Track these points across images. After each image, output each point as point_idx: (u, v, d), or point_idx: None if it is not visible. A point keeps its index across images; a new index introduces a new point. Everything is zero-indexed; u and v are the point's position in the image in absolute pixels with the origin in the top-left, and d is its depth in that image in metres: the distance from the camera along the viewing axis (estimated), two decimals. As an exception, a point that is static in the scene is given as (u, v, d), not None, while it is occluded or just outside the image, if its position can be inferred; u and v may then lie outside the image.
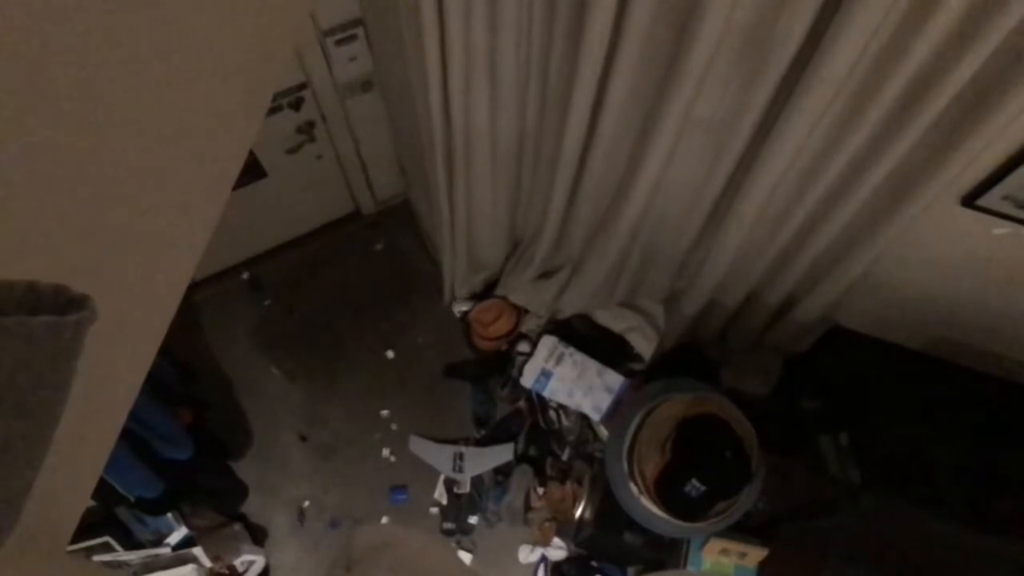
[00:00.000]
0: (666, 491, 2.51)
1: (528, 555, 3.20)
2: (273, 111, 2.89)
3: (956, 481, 2.55)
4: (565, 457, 3.25)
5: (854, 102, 1.75)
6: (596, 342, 3.26)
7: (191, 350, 3.51)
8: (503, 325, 3.36)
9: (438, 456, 3.35)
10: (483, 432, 3.42)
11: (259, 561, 3.13)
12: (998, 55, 1.48)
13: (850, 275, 2.33)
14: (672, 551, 2.77)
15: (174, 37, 0.78)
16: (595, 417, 3.13)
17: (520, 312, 3.38)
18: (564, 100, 2.10)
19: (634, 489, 2.58)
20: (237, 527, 3.16)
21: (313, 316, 3.69)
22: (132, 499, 2.64)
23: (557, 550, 3.20)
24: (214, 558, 2.99)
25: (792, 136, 1.84)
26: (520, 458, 3.34)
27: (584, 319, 3.33)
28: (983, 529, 2.35)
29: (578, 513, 3.07)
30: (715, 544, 2.59)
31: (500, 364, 3.43)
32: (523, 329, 3.38)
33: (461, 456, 3.31)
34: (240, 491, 3.31)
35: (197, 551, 2.96)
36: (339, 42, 2.78)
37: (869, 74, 1.66)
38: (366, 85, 3.05)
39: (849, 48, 1.55)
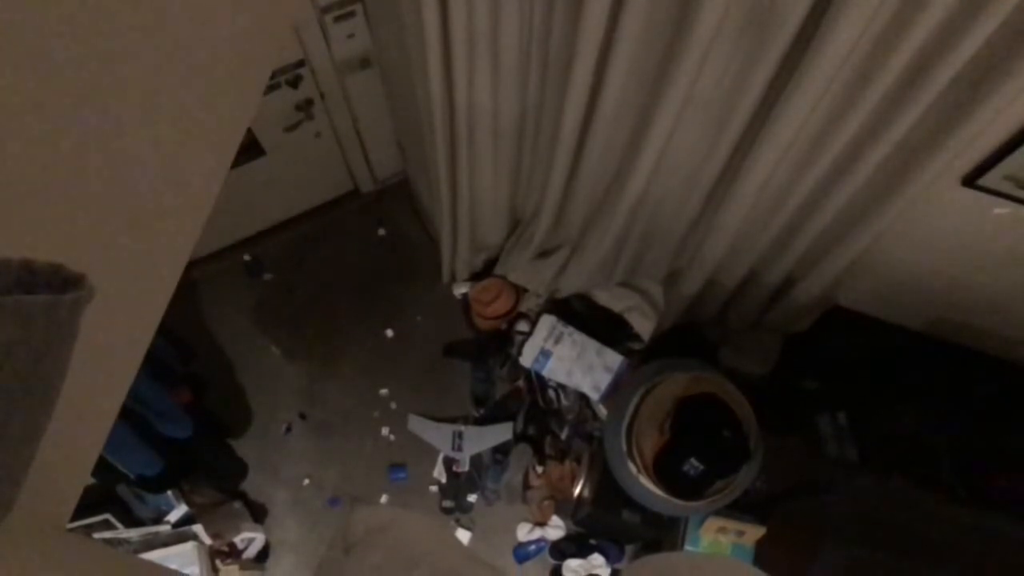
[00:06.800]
0: (664, 470, 2.52)
1: (527, 533, 3.22)
2: (271, 89, 2.87)
3: (954, 460, 2.56)
4: (564, 436, 3.27)
5: (855, 81, 1.74)
6: (595, 322, 3.25)
7: (190, 328, 3.51)
8: (502, 304, 3.35)
9: (437, 435, 3.36)
10: (482, 411, 3.43)
11: (259, 538, 3.15)
12: (1000, 34, 1.47)
13: (850, 255, 2.33)
14: (670, 529, 2.79)
15: (172, 9, 0.77)
16: (594, 396, 3.14)
17: (519, 291, 3.37)
18: (563, 77, 2.08)
19: (632, 468, 2.59)
20: (237, 505, 3.18)
21: (312, 295, 3.69)
22: (132, 477, 2.65)
23: (555, 528, 3.22)
24: (214, 535, 3.01)
25: (793, 114, 1.83)
26: (519, 437, 3.35)
27: (583, 299, 3.32)
28: (980, 507, 2.37)
29: (576, 492, 3.09)
30: (713, 523, 2.60)
31: (499, 343, 3.43)
32: (522, 308, 3.38)
33: (460, 435, 3.32)
34: (240, 469, 3.32)
35: (197, 528, 2.97)
36: (337, 19, 2.75)
37: (871, 52, 1.65)
38: (364, 62, 3.02)
39: (851, 25, 1.53)
